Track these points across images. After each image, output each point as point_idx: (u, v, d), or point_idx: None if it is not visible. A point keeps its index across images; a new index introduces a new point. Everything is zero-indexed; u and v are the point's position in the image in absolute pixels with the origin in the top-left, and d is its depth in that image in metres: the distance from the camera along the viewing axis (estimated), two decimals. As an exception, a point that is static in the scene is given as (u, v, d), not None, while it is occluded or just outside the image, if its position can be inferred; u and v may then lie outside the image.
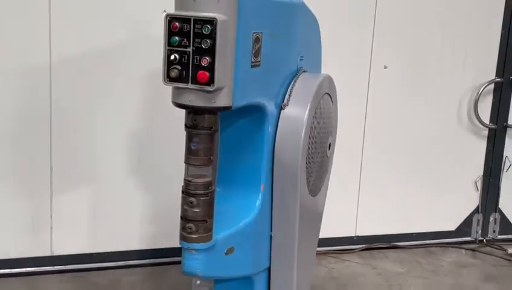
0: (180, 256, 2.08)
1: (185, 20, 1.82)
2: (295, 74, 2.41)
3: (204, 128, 1.95)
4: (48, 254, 3.47)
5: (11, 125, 3.34)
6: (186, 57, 1.84)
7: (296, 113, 2.31)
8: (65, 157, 3.42)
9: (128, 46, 3.41)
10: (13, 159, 3.36)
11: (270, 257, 2.41)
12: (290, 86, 2.36)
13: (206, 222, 2.01)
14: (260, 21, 2.06)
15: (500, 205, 4.35)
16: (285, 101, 2.32)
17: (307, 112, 2.30)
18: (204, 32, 1.81)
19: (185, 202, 2.00)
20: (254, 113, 2.23)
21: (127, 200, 3.57)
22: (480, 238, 4.33)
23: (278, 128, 2.30)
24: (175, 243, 2.14)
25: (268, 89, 2.23)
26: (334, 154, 2.78)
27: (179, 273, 2.43)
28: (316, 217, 2.66)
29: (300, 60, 2.48)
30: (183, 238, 2.02)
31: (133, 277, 3.50)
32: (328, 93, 2.55)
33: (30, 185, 3.40)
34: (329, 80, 2.58)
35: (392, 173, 4.12)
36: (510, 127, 4.25)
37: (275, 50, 2.19)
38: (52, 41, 3.29)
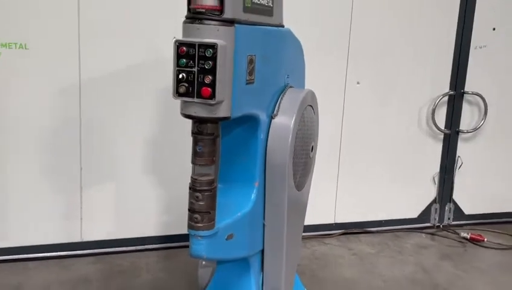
0: (188, 241, 2.03)
1: (191, 45, 1.79)
2: (283, 89, 2.36)
3: (208, 134, 1.91)
4: (78, 240, 3.42)
5: (49, 133, 3.28)
6: (192, 76, 1.80)
7: (284, 121, 2.26)
8: (92, 159, 3.37)
9: (144, 67, 3.35)
10: (51, 162, 3.31)
11: (263, 241, 2.37)
12: (279, 99, 2.31)
13: (210, 213, 1.97)
14: (253, 45, 2.02)
15: (454, 197, 4.30)
16: (275, 111, 2.27)
17: (293, 120, 2.25)
18: (207, 55, 1.78)
19: (191, 197, 1.97)
20: (249, 122, 2.19)
21: (144, 194, 3.51)
22: (438, 224, 4.28)
23: (269, 134, 2.25)
24: (184, 230, 2.10)
25: (261, 102, 2.18)
26: (317, 156, 2.70)
27: (188, 256, 2.39)
28: (301, 208, 2.60)
29: (287, 77, 2.42)
30: (190, 227, 1.99)
31: (149, 259, 3.44)
32: (310, 105, 2.50)
33: (64, 183, 3.36)
34: (311, 94, 2.52)
35: (365, 170, 4.06)
36: (461, 132, 4.18)
37: (266, 69, 2.14)
38: (81, 62, 3.24)
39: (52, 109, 3.26)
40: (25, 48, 3.12)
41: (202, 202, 1.95)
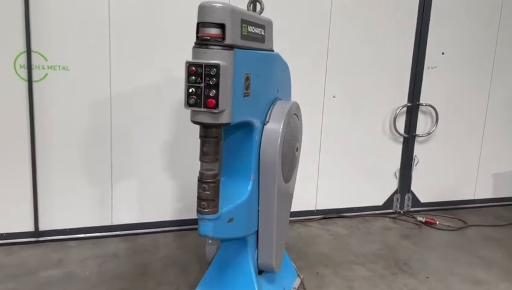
0: (197, 224, 2.01)
1: (199, 65, 1.78)
2: (273, 101, 2.33)
3: (212, 137, 1.90)
4: (109, 223, 3.37)
5: (86, 138, 3.23)
6: (199, 90, 1.79)
7: (274, 127, 2.22)
8: (120, 159, 3.32)
9: (161, 84, 3.29)
10: (88, 161, 3.25)
11: (258, 223, 2.33)
12: (270, 109, 2.28)
13: (214, 201, 1.95)
14: (249, 66, 1.99)
15: (412, 188, 4.19)
16: (266, 119, 2.24)
17: (281, 126, 2.22)
18: (211, 73, 1.77)
19: (199, 187, 1.95)
20: (246, 127, 2.16)
21: (161, 186, 3.45)
22: (399, 210, 4.16)
23: (262, 137, 2.22)
24: (193, 215, 2.07)
25: (255, 111, 2.15)
26: (301, 157, 2.65)
27: (197, 236, 2.31)
28: (288, 196, 2.56)
29: (277, 91, 2.40)
30: (198, 211, 1.97)
31: (166, 239, 3.38)
32: (295, 114, 2.46)
33: (98, 178, 3.30)
34: (296, 105, 2.48)
35: (340, 167, 3.95)
36: (417, 136, 4.08)
37: (259, 85, 2.12)
38: (112, 81, 3.19)
39: (88, 118, 3.21)
40: (67, 70, 3.08)
41: (208, 191, 1.93)
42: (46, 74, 3.05)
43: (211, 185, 1.92)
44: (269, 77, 2.28)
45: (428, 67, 3.99)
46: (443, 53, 4.01)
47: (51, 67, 3.05)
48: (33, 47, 2.99)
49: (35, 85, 3.04)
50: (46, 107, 3.09)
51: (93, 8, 3.07)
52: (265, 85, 2.23)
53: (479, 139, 4.32)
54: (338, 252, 3.29)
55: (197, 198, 1.95)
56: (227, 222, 2.06)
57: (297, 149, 2.53)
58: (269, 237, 2.35)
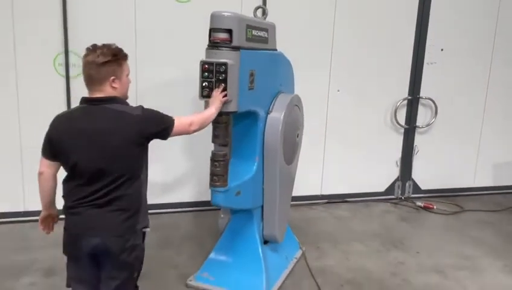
0: (211, 206, 2.32)
1: (211, 63, 2.14)
2: (276, 94, 2.64)
3: (222, 123, 2.25)
4: None
5: None
6: (211, 84, 2.15)
7: (276, 116, 2.54)
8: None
9: (179, 81, 3.58)
10: None
11: (263, 199, 2.65)
12: (273, 101, 2.59)
13: (224, 176, 2.31)
14: (253, 64, 2.32)
15: (413, 176, 4.40)
16: (270, 109, 2.56)
17: (282, 115, 2.54)
18: (221, 70, 2.12)
19: (212, 165, 2.31)
20: (252, 116, 2.49)
21: (181, 171, 3.75)
22: (400, 197, 4.37)
23: (266, 124, 2.53)
24: (209, 197, 2.38)
25: (259, 102, 2.48)
26: (308, 146, 2.88)
27: (212, 215, 2.56)
28: (290, 177, 2.85)
29: (280, 85, 2.71)
30: (211, 185, 2.33)
31: (185, 218, 3.71)
32: (296, 105, 2.77)
33: None
34: (297, 98, 2.79)
35: (344, 155, 4.17)
36: (418, 127, 4.30)
37: (263, 80, 2.44)
38: (138, 79, 3.43)
39: None
40: None
41: (219, 168, 2.30)
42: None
43: (221, 162, 2.29)
44: (272, 73, 2.61)
45: (427, 63, 4.22)
46: (442, 50, 4.23)
47: None
48: (70, 47, 3.40)
49: (72, 81, 3.45)
50: None
51: (120, 14, 3.46)
52: (269, 80, 2.55)
53: (478, 131, 4.53)
54: (339, 231, 3.60)
55: (210, 174, 2.32)
56: (235, 195, 2.42)
57: (298, 135, 2.85)
58: (272, 211, 2.69)
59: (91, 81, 1.77)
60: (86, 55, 1.78)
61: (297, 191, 3.40)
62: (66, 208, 1.81)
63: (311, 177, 4.13)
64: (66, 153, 1.75)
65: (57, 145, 1.76)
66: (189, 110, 3.54)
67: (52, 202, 1.93)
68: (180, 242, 3.29)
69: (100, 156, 1.72)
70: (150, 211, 3.57)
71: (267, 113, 2.56)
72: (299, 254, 3.11)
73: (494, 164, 4.65)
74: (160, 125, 1.83)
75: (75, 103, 3.37)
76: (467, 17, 4.25)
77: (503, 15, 4.32)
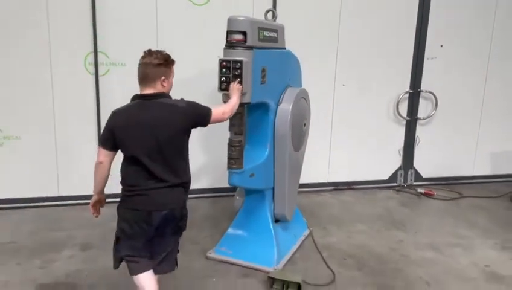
0: (227, 192, 2.62)
1: (228, 61, 2.44)
2: (285, 87, 2.93)
3: (238, 113, 2.52)
4: None
5: None
6: (228, 79, 2.45)
7: (285, 107, 2.83)
8: None
9: (198, 76, 3.85)
10: None
11: (274, 181, 2.94)
12: (283, 93, 2.88)
13: (239, 159, 2.61)
14: (265, 61, 2.62)
15: (415, 164, 4.64)
16: (280, 100, 2.85)
17: (291, 106, 2.83)
18: (236, 67, 2.42)
19: (229, 149, 2.61)
20: (264, 107, 2.78)
21: (199, 160, 4.02)
22: (402, 184, 4.61)
23: (276, 115, 2.82)
24: (225, 184, 2.65)
25: (270, 95, 2.77)
26: (316, 137, 3.15)
27: (227, 200, 2.76)
28: (298, 163, 3.13)
29: (289, 80, 3.00)
30: (228, 167, 2.63)
31: (203, 202, 4.00)
32: (303, 97, 3.05)
33: None
34: (304, 91, 3.08)
35: (349, 146, 4.42)
36: (419, 119, 4.53)
37: (273, 75, 2.73)
38: None
39: None
40: (124, 65, 3.80)
41: (235, 152, 2.60)
42: (109, 69, 3.80)
43: (237, 148, 2.59)
44: (281, 69, 2.90)
45: (428, 59, 4.45)
46: (442, 45, 4.46)
47: (112, 64, 3.79)
48: (99, 48, 3.75)
49: (100, 79, 3.80)
50: (108, 95, 3.83)
51: (143, 18, 3.79)
52: (278, 75, 2.84)
53: (477, 122, 4.77)
54: (344, 214, 3.89)
55: (227, 158, 2.62)
56: (249, 176, 2.72)
57: (305, 125, 3.14)
58: (282, 192, 2.98)
59: (146, 78, 2.06)
60: (143, 58, 2.08)
61: (306, 179, 3.79)
62: (129, 191, 2.05)
63: (319, 166, 4.40)
64: (127, 142, 2.01)
65: (118, 136, 2.02)
66: (204, 102, 3.80)
67: (103, 189, 2.20)
68: (200, 223, 3.61)
69: (157, 142, 1.99)
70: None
71: (277, 104, 2.85)
72: (306, 232, 3.42)
73: (492, 154, 4.89)
74: (201, 115, 2.15)
75: (103, 99, 3.84)
76: (466, 14, 4.47)
77: (500, 11, 4.54)
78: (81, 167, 3.82)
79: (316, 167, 4.34)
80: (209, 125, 2.23)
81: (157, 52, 2.09)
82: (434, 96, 4.56)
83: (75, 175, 3.88)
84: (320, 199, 4.28)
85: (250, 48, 2.48)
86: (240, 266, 2.88)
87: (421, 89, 4.53)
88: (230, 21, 2.47)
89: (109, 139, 2.06)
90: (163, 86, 2.10)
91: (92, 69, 3.78)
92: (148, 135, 2.00)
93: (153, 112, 2.02)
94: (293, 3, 4.04)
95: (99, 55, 3.77)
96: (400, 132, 4.62)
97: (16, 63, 3.66)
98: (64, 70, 3.74)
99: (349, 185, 4.55)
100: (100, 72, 3.80)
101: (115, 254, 2.15)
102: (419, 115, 4.60)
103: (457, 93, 4.65)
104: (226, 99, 2.50)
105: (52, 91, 3.76)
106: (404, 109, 4.56)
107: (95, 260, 2.97)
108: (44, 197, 3.89)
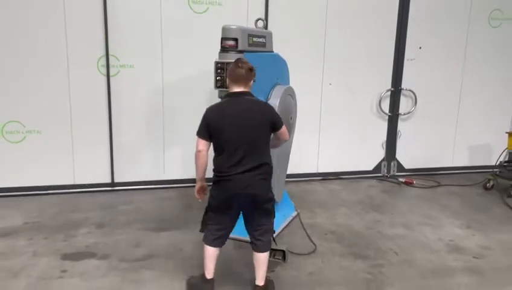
0: None
1: (222, 63, 2.84)
2: (274, 85, 3.31)
3: None
4: (162, 178, 4.42)
5: (145, 116, 4.29)
6: (223, 78, 2.85)
7: (273, 102, 3.18)
8: (171, 130, 4.34)
9: (197, 76, 4.24)
10: (147, 132, 4.33)
11: None
12: (271, 90, 3.26)
13: None
14: (254, 62, 2.85)
15: (397, 156, 5.02)
16: (268, 96, 3.22)
17: (278, 101, 3.20)
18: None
19: None
20: None
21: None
22: (386, 175, 5.00)
23: None
24: None
25: (261, 91, 3.08)
26: (306, 131, 3.52)
27: None
28: (286, 151, 3.51)
29: (277, 79, 3.37)
30: None
31: None
32: (290, 94, 3.43)
33: (154, 142, 4.33)
34: (290, 88, 3.45)
35: (337, 139, 4.79)
36: (400, 114, 4.92)
37: (263, 74, 3.00)
38: (164, 74, 4.24)
39: (147, 101, 4.31)
40: (133, 67, 4.22)
41: None
42: (119, 71, 4.23)
43: None
44: (270, 69, 3.30)
45: (407, 59, 4.84)
46: (420, 47, 4.85)
47: (122, 66, 4.21)
48: (110, 51, 4.19)
49: (111, 79, 4.23)
50: (119, 95, 4.25)
51: (150, 25, 4.21)
52: (267, 74, 3.22)
53: (455, 117, 5.17)
54: (330, 200, 4.32)
55: None
56: None
57: (292, 118, 3.54)
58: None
59: (241, 79, 2.45)
60: (237, 63, 2.49)
61: (297, 169, 4.29)
62: (221, 176, 2.37)
63: (309, 157, 4.80)
64: (221, 132, 2.35)
65: (213, 127, 2.37)
66: (204, 98, 4.30)
67: (204, 176, 2.52)
68: (200, 205, 3.96)
69: (246, 132, 2.33)
70: (175, 185, 4.11)
71: (267, 100, 3.24)
72: (294, 214, 3.85)
73: (470, 146, 5.30)
74: (278, 116, 2.53)
75: (114, 98, 4.29)
76: (442, 18, 4.86)
77: (474, 16, 4.93)
78: (94, 159, 4.28)
79: (306, 159, 4.74)
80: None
81: (246, 62, 2.48)
82: (414, 93, 4.94)
83: (89, 166, 4.33)
84: (309, 187, 4.68)
85: (241, 51, 2.90)
86: (235, 239, 3.28)
87: (402, 87, 4.90)
88: (224, 29, 2.90)
89: (206, 130, 2.40)
90: (250, 86, 2.50)
91: (104, 70, 4.20)
92: (238, 124, 2.33)
93: (242, 105, 2.40)
94: (283, 11, 4.46)
95: (111, 58, 4.19)
96: (383, 127, 5.00)
97: (37, 67, 4.08)
98: (80, 72, 4.17)
99: (337, 175, 4.93)
100: (111, 73, 4.22)
101: None
102: (400, 111, 4.97)
103: (435, 91, 5.03)
104: (221, 95, 2.92)
105: (69, 90, 4.19)
106: (386, 105, 4.94)
107: (108, 235, 3.43)
108: (61, 185, 4.33)
